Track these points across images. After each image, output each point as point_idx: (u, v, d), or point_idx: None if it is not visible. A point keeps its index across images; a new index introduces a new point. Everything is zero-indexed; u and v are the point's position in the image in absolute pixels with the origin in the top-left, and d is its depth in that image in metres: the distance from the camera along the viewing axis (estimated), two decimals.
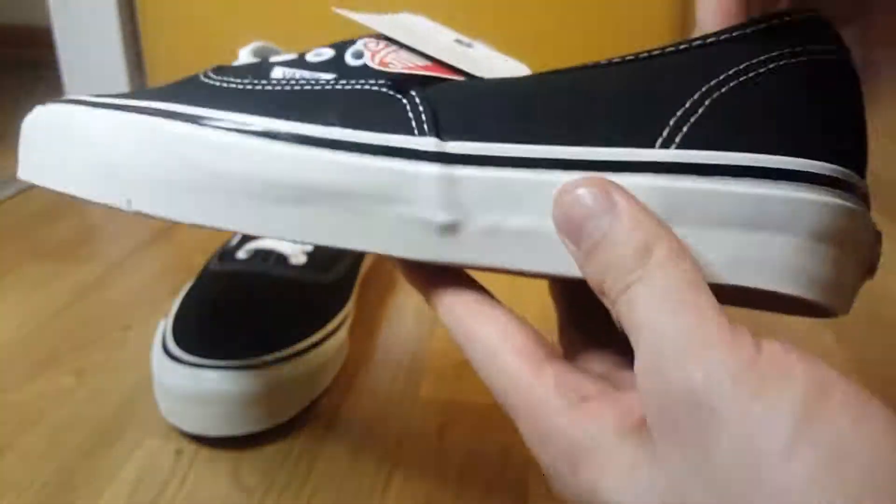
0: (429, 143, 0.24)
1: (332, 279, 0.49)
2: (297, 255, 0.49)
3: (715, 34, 0.25)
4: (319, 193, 0.24)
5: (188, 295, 0.47)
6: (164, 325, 0.44)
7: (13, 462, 0.39)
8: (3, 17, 1.50)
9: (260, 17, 0.79)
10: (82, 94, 0.28)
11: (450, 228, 0.24)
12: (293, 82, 0.27)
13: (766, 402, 0.17)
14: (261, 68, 0.29)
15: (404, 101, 0.25)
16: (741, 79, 0.24)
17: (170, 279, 0.60)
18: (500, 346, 0.24)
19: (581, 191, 0.21)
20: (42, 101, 0.30)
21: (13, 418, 0.43)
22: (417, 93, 0.26)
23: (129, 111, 0.26)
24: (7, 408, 0.44)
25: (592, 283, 0.22)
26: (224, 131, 0.25)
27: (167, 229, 0.71)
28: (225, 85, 0.27)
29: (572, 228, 0.22)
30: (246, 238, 0.51)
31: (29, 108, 0.29)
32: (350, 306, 0.50)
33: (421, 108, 0.25)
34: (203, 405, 0.40)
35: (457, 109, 0.25)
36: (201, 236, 0.68)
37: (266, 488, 0.38)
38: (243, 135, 0.24)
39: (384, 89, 0.26)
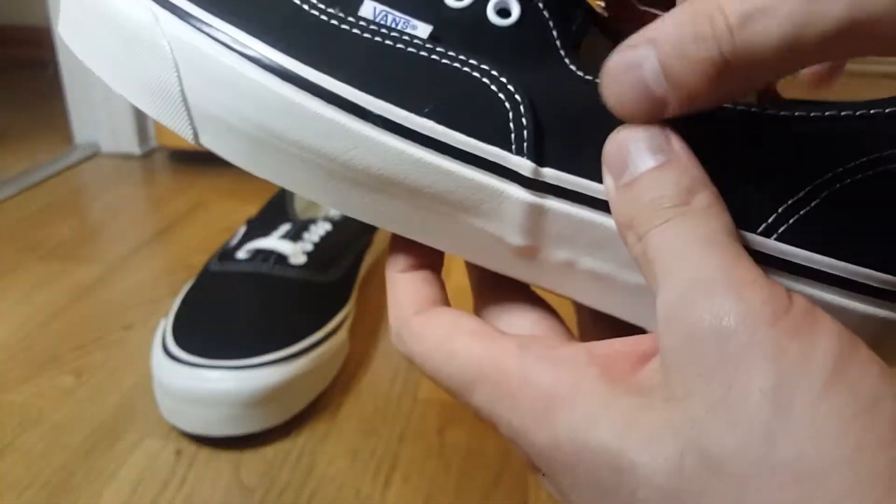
0: (526, 167, 0.22)
1: (332, 279, 0.49)
2: (297, 255, 0.49)
3: (850, 105, 0.21)
4: (400, 187, 0.23)
5: (188, 295, 0.47)
6: (164, 325, 0.44)
7: (13, 462, 0.39)
8: (2, 17, 1.50)
9: None
10: None
11: (525, 251, 0.23)
12: (383, 31, 0.23)
13: (802, 343, 0.17)
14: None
15: (507, 103, 0.23)
16: (867, 173, 0.21)
17: (170, 279, 0.60)
18: (424, 301, 0.23)
19: (640, 129, 0.20)
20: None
21: (13, 418, 0.43)
22: (520, 89, 0.22)
23: (209, 38, 0.23)
24: (7, 408, 0.44)
25: (619, 217, 0.20)
26: (317, 100, 0.22)
27: (167, 229, 0.71)
28: (307, 9, 0.24)
29: (619, 160, 0.20)
30: (246, 238, 0.51)
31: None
32: (350, 306, 0.50)
33: (524, 122, 0.22)
34: (203, 405, 0.40)
35: (564, 133, 0.23)
36: (201, 236, 0.68)
37: (266, 488, 0.38)
38: (334, 108, 0.22)
39: (485, 79, 0.23)
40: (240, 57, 0.22)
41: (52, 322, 0.53)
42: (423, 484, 0.38)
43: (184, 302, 0.46)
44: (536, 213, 0.22)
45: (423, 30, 0.24)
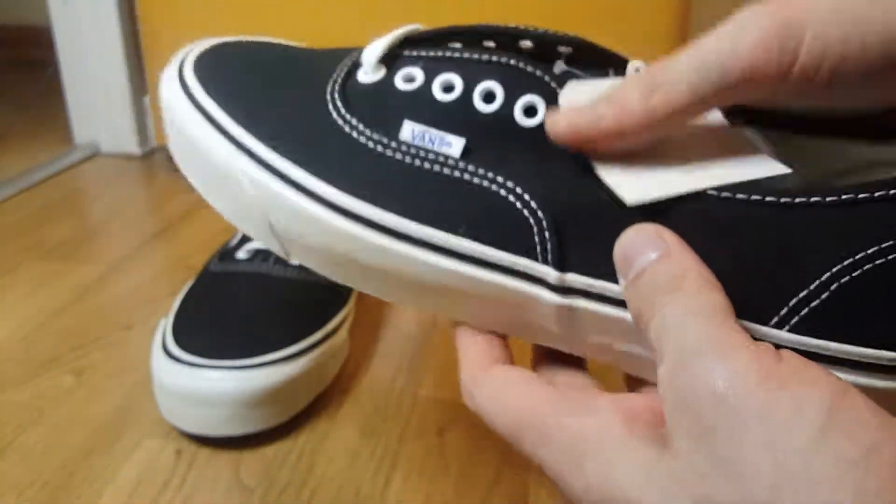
0: (552, 275, 0.25)
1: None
2: None
3: (854, 189, 0.22)
4: (452, 291, 0.27)
5: (188, 295, 0.47)
6: (164, 325, 0.44)
7: (14, 462, 0.39)
8: (2, 17, 1.50)
9: (261, 17, 0.79)
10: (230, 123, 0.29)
11: (564, 336, 0.27)
12: (421, 154, 0.27)
13: (793, 398, 0.18)
14: (388, 116, 0.28)
15: (531, 219, 0.25)
16: (878, 262, 0.21)
17: (170, 279, 0.60)
18: (486, 359, 0.26)
19: (637, 232, 0.24)
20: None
21: (13, 418, 0.43)
22: (542, 205, 0.25)
23: (281, 180, 0.27)
24: (7, 407, 0.44)
25: (632, 310, 0.23)
26: (369, 230, 0.26)
27: (167, 229, 0.71)
28: (356, 136, 0.27)
29: (624, 261, 0.24)
30: (246, 238, 0.51)
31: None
32: (350, 306, 0.50)
33: (547, 235, 0.25)
34: (203, 405, 0.40)
35: (584, 238, 0.25)
36: (201, 237, 0.68)
37: (266, 488, 0.38)
38: (382, 235, 0.26)
39: (511, 197, 0.26)
40: (306, 198, 0.27)
41: (52, 322, 0.53)
42: (422, 484, 0.38)
43: (184, 302, 0.46)
44: (567, 311, 0.25)
45: (456, 145, 0.27)
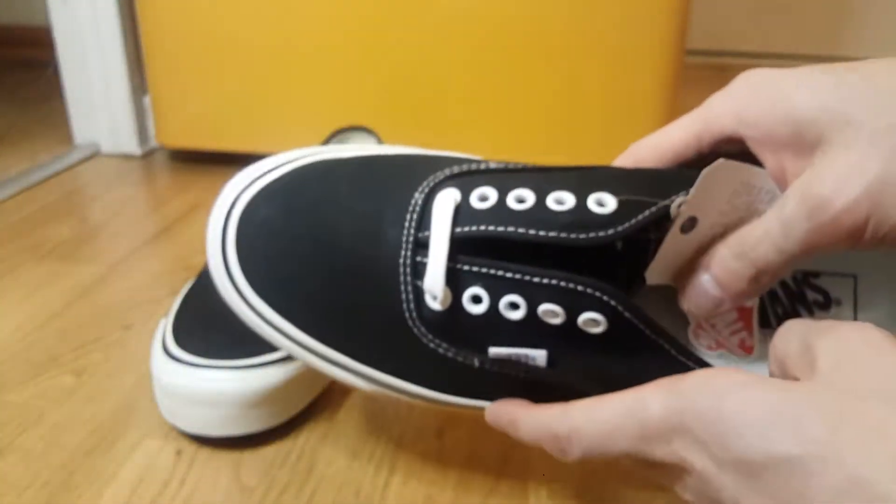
0: None
1: None
2: None
3: None
4: None
5: (188, 295, 0.47)
6: (164, 325, 0.44)
7: (13, 462, 0.39)
8: (2, 18, 1.50)
9: (261, 16, 0.79)
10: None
11: None
12: (514, 370, 0.31)
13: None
14: (472, 339, 0.31)
15: None
16: None
17: (170, 279, 0.60)
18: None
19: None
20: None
21: (13, 418, 0.43)
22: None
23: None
24: (7, 408, 0.44)
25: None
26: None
27: (167, 229, 0.71)
28: (452, 356, 0.31)
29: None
30: None
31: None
32: None
33: None
34: (203, 405, 0.40)
35: None
36: (201, 237, 0.68)
37: (266, 488, 0.38)
38: None
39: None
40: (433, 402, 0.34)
41: (52, 322, 0.53)
42: (422, 485, 0.38)
43: (184, 302, 0.46)
44: None
45: (541, 358, 0.30)
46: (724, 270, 0.29)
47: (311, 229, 0.32)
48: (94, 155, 0.94)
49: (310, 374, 0.43)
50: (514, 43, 0.77)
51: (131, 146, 0.94)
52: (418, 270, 0.30)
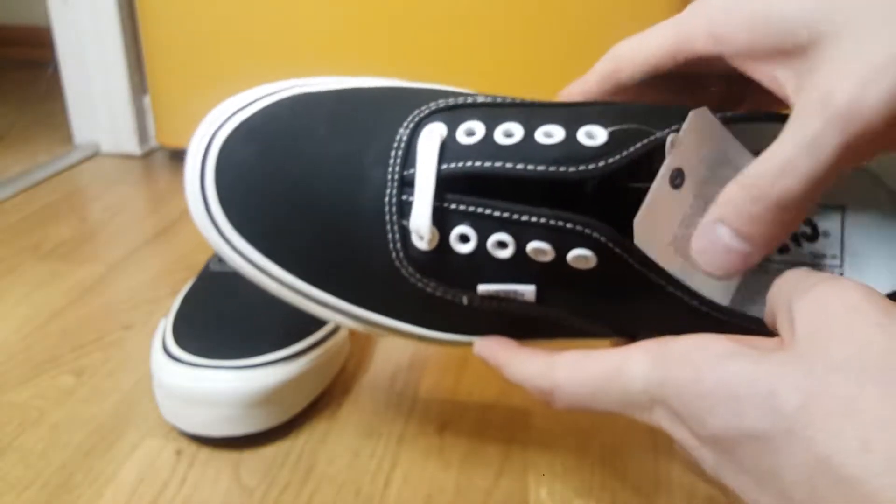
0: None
1: None
2: None
3: None
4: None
5: (188, 295, 0.47)
6: (164, 325, 0.44)
7: (13, 462, 0.39)
8: (2, 17, 1.50)
9: (262, 17, 0.79)
10: None
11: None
12: (504, 304, 0.31)
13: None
14: (460, 278, 0.30)
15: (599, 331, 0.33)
16: None
17: (170, 279, 0.60)
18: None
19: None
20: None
21: (13, 418, 0.43)
22: (608, 328, 0.32)
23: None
24: (7, 408, 0.44)
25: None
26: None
27: (167, 229, 0.71)
28: (440, 294, 0.31)
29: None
30: None
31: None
32: None
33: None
34: (203, 405, 0.40)
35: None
36: (201, 237, 0.68)
37: (266, 488, 0.38)
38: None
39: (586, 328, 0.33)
40: (421, 339, 0.35)
41: (52, 322, 0.53)
42: (423, 483, 0.38)
43: (184, 302, 0.46)
44: None
45: (529, 293, 0.30)
46: (742, 218, 0.25)
47: (291, 172, 0.31)
48: (94, 155, 0.94)
49: (310, 374, 0.43)
50: (508, 39, 0.77)
51: (131, 146, 0.94)
52: (404, 210, 0.30)
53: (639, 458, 0.40)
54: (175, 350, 0.41)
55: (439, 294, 0.31)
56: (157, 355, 0.42)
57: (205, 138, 0.32)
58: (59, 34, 0.91)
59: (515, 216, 0.28)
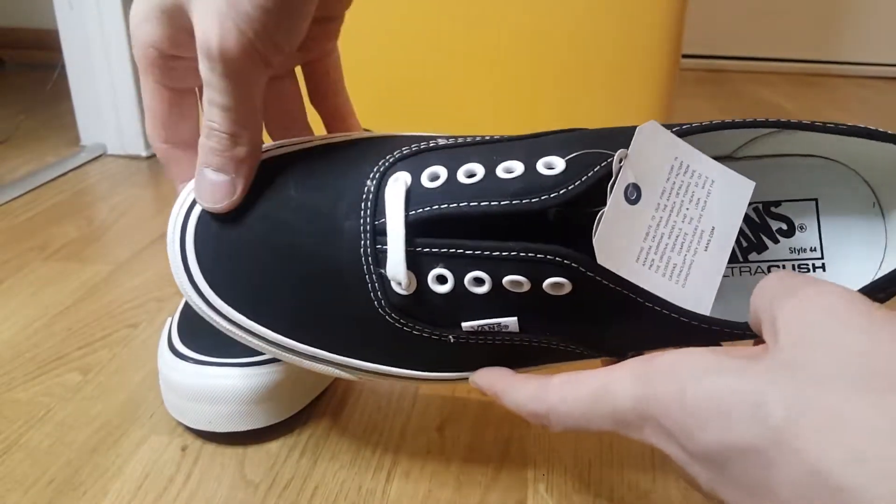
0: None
1: None
2: None
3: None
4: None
5: None
6: (171, 323, 0.45)
7: (20, 458, 0.40)
8: (10, 20, 1.51)
9: None
10: None
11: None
12: (489, 338, 0.32)
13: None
14: (443, 316, 0.31)
15: (583, 353, 0.33)
16: None
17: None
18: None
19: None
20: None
21: (20, 415, 0.43)
22: (583, 347, 0.33)
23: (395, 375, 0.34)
24: (14, 405, 0.44)
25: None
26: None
27: None
28: (427, 335, 0.32)
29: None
30: None
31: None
32: None
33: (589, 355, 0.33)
34: (208, 402, 0.40)
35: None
36: None
37: (270, 483, 0.38)
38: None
39: (569, 349, 0.33)
40: (413, 380, 0.36)
41: (58, 321, 0.54)
42: (423, 479, 0.39)
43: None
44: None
45: (513, 325, 0.31)
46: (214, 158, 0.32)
47: (268, 236, 0.32)
48: (101, 156, 0.94)
49: (313, 371, 0.43)
50: (507, 47, 0.77)
51: (137, 147, 0.95)
52: (380, 258, 0.31)
53: (636, 454, 0.41)
54: (181, 347, 0.42)
55: (426, 335, 0.32)
56: (164, 353, 0.42)
57: (182, 211, 0.33)
58: (66, 37, 0.92)
59: (487, 252, 0.29)
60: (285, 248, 0.32)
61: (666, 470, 0.39)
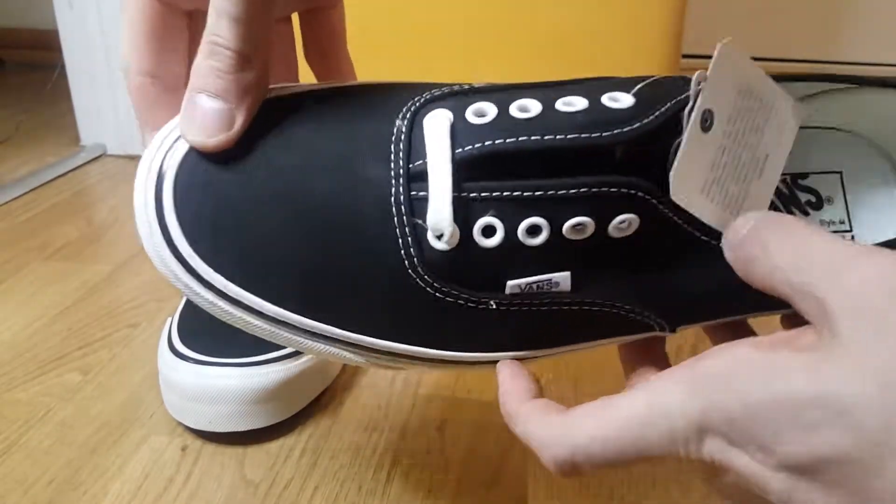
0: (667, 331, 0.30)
1: None
2: None
3: None
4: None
5: None
6: (171, 323, 0.45)
7: (20, 458, 0.40)
8: (10, 20, 1.51)
9: None
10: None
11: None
12: (535, 302, 0.27)
13: None
14: (487, 278, 0.27)
15: (644, 319, 0.29)
16: None
17: None
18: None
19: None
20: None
21: (20, 415, 0.43)
22: (648, 310, 0.29)
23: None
24: (14, 405, 0.44)
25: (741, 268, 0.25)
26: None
27: None
28: (463, 303, 0.27)
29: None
30: None
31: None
32: None
33: (657, 328, 0.30)
34: (208, 402, 0.40)
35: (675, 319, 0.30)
36: None
37: (270, 483, 0.38)
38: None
39: (623, 312, 0.28)
40: (444, 363, 0.30)
41: (58, 321, 0.54)
42: (423, 479, 0.39)
43: (189, 301, 0.46)
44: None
45: (564, 283, 0.27)
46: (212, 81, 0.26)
47: (270, 185, 0.26)
48: (101, 156, 0.94)
49: (313, 371, 0.43)
50: (506, 46, 0.77)
51: (137, 147, 0.94)
52: (415, 207, 0.26)
53: None
54: (181, 348, 0.42)
55: (461, 302, 0.27)
56: (164, 353, 0.42)
57: (157, 157, 0.26)
58: (66, 37, 0.92)
59: (551, 192, 0.25)
60: (291, 199, 0.26)
61: (666, 470, 0.39)
